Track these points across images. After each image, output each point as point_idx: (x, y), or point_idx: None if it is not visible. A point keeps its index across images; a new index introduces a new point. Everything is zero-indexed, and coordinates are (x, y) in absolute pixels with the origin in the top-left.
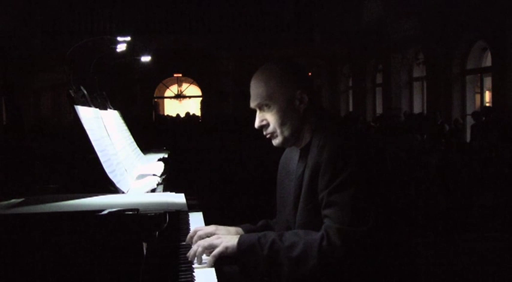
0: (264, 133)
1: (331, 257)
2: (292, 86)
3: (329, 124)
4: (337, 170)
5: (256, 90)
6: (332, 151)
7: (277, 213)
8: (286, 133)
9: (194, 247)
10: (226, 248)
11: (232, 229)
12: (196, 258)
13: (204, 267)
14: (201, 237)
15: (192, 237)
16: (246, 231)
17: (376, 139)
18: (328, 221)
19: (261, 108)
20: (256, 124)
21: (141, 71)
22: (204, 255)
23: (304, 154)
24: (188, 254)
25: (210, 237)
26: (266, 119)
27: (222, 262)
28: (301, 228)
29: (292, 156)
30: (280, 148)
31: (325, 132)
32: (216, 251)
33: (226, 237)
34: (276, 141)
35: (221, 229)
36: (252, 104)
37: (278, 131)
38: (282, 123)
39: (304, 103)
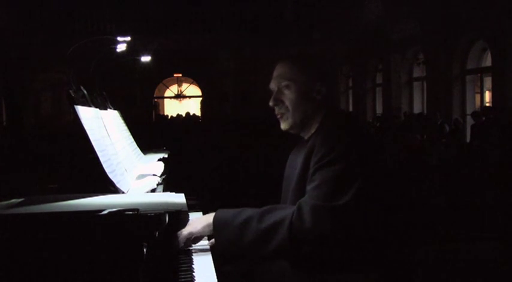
0: (276, 112)
1: (299, 231)
2: (315, 77)
3: (335, 118)
4: (327, 151)
5: (280, 70)
6: (326, 134)
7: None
8: (296, 117)
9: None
10: (197, 229)
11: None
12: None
13: (183, 247)
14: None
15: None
16: None
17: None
18: (305, 197)
19: (279, 89)
20: (271, 101)
21: (141, 71)
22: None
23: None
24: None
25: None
26: (282, 99)
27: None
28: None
29: (300, 151)
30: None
31: (329, 125)
32: (186, 232)
33: (197, 220)
34: (284, 124)
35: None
36: (273, 84)
37: (290, 113)
38: (295, 107)
39: (321, 96)
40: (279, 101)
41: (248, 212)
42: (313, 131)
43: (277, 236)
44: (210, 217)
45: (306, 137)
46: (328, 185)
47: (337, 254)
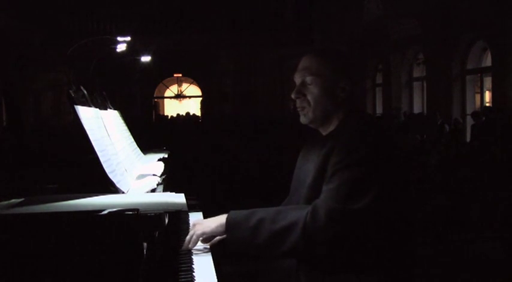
0: (297, 105)
1: (313, 232)
2: (341, 74)
3: (356, 118)
4: (348, 152)
5: (307, 63)
6: (348, 136)
7: (288, 197)
8: (317, 112)
9: (187, 237)
10: (211, 228)
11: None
12: (189, 245)
13: (190, 248)
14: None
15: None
16: None
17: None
18: (321, 197)
19: (304, 82)
20: (294, 94)
21: (141, 71)
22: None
23: (327, 141)
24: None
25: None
26: (305, 92)
27: (222, 257)
28: (304, 203)
29: (315, 143)
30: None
31: (350, 124)
32: (200, 231)
33: (210, 219)
34: (304, 118)
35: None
36: (297, 76)
37: (311, 108)
38: (317, 103)
39: (344, 94)
40: (301, 95)
41: (261, 213)
42: (332, 128)
43: (291, 237)
44: (223, 217)
45: (324, 133)
46: (346, 188)
47: (348, 255)
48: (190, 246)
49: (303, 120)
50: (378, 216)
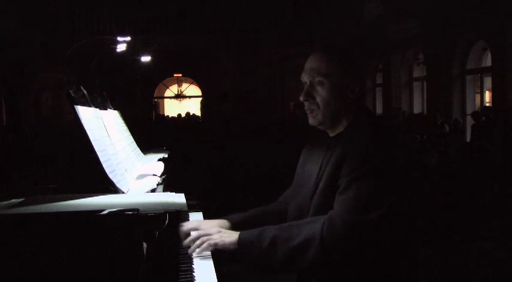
0: (305, 108)
1: (331, 244)
2: (351, 75)
3: (366, 120)
4: (363, 161)
5: (316, 64)
6: (362, 142)
7: (291, 196)
8: (326, 115)
9: (193, 237)
10: (224, 242)
11: (215, 222)
12: (195, 250)
13: (200, 253)
14: (186, 233)
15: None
16: (233, 221)
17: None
18: (336, 207)
19: (312, 84)
20: (302, 96)
21: (141, 71)
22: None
23: (334, 142)
24: (190, 250)
25: (211, 230)
26: (313, 94)
27: (222, 257)
28: (315, 210)
29: (320, 142)
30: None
31: (360, 126)
32: (213, 241)
33: (226, 232)
34: (312, 120)
35: (205, 223)
36: (305, 76)
37: (320, 110)
38: (326, 105)
39: (354, 95)
40: (310, 97)
41: (273, 230)
42: (341, 129)
43: (309, 252)
44: (236, 235)
45: (331, 134)
46: (363, 199)
47: (364, 264)
48: (198, 251)
49: (311, 122)
50: (391, 223)
